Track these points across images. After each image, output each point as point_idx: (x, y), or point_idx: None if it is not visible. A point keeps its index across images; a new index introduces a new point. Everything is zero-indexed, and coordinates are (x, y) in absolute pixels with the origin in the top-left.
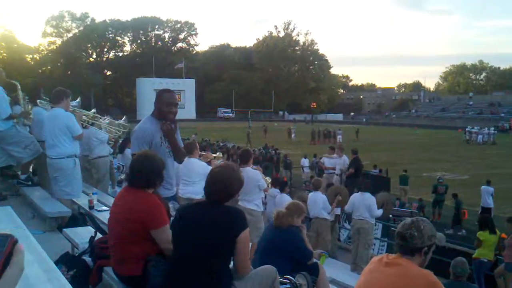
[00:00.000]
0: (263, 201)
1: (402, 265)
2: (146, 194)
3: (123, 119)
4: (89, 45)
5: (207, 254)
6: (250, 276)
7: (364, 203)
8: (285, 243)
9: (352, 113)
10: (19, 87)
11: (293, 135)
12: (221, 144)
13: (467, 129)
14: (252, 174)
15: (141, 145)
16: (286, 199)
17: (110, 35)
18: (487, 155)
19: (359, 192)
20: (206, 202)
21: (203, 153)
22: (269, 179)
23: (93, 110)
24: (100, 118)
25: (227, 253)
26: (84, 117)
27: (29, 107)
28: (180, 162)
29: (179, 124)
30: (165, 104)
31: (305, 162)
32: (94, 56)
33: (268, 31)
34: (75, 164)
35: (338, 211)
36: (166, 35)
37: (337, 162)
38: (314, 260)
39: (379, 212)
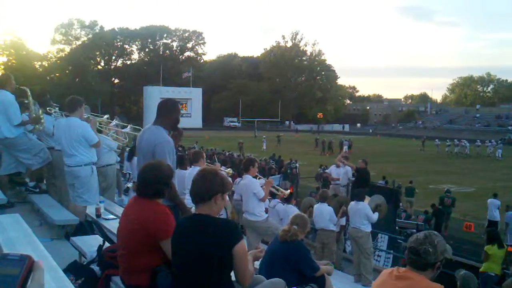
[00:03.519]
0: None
1: (413, 279)
2: (154, 204)
3: (128, 127)
4: (97, 53)
5: (203, 267)
6: None
7: (359, 212)
8: (291, 256)
9: (358, 124)
10: (29, 93)
11: (264, 146)
12: (227, 153)
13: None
14: (248, 181)
15: (172, 156)
16: (292, 210)
17: (119, 43)
18: (493, 168)
19: (354, 202)
20: (198, 215)
21: (210, 164)
22: (287, 192)
23: (106, 116)
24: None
25: (224, 265)
26: (97, 124)
27: (40, 112)
28: None
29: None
30: (179, 114)
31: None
32: (102, 64)
33: (276, 41)
34: (92, 172)
35: (343, 221)
36: (174, 44)
37: (342, 173)
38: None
39: (376, 215)
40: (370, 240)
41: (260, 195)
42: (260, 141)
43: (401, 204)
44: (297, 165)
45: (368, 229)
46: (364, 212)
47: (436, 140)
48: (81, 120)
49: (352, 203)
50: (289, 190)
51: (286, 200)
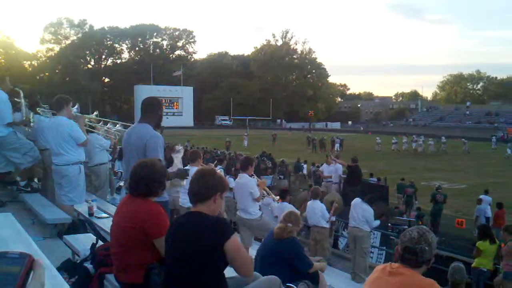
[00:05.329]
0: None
1: (406, 275)
2: (148, 203)
3: (117, 125)
4: (87, 52)
5: (194, 265)
6: (254, 286)
7: (362, 214)
8: (285, 253)
9: (349, 122)
10: (22, 94)
11: (245, 143)
12: (219, 152)
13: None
14: (244, 180)
15: (162, 151)
16: (288, 207)
17: (108, 42)
18: (484, 165)
19: (361, 200)
20: (192, 213)
21: (204, 165)
22: (277, 198)
23: (95, 113)
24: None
25: (216, 264)
26: (86, 121)
27: (30, 114)
28: None
29: (173, 132)
30: (162, 111)
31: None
32: (92, 63)
33: (266, 40)
34: (80, 171)
35: (333, 217)
36: (164, 42)
37: (333, 170)
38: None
39: (377, 223)
40: (369, 240)
41: (256, 195)
42: (249, 140)
43: (417, 201)
44: (305, 165)
45: (368, 228)
46: (366, 215)
47: (422, 136)
48: (69, 119)
49: (359, 200)
50: (278, 197)
51: (282, 198)
